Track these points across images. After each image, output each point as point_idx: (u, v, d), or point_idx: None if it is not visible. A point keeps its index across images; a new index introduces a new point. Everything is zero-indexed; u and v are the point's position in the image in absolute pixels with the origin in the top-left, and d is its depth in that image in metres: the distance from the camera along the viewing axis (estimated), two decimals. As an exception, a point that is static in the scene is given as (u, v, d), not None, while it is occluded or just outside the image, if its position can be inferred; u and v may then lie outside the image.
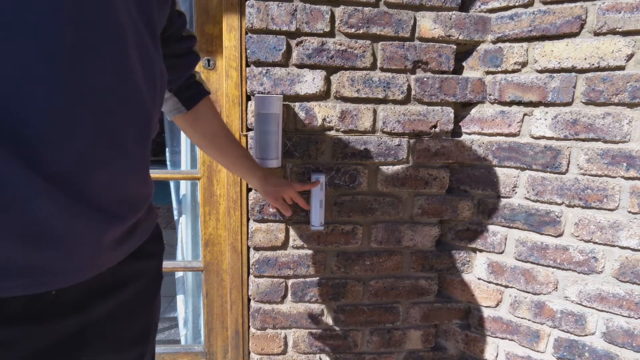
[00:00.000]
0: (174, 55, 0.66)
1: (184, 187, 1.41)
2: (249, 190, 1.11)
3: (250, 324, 1.18)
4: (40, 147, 0.37)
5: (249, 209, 1.10)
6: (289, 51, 1.02)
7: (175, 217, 1.45)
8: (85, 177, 0.41)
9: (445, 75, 1.08)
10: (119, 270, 0.52)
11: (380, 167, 1.10)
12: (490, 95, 1.09)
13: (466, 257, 1.18)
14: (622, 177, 0.94)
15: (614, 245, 0.97)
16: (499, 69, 1.06)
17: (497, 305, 1.15)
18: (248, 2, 0.99)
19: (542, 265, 1.06)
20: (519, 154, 1.06)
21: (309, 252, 1.13)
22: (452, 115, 1.10)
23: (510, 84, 1.05)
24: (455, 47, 1.07)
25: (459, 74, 1.11)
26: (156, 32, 0.51)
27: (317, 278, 1.15)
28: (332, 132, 1.07)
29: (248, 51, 1.02)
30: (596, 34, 0.94)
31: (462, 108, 1.14)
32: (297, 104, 1.05)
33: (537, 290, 1.07)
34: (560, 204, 1.02)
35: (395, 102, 1.08)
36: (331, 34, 1.03)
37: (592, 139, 0.97)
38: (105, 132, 0.43)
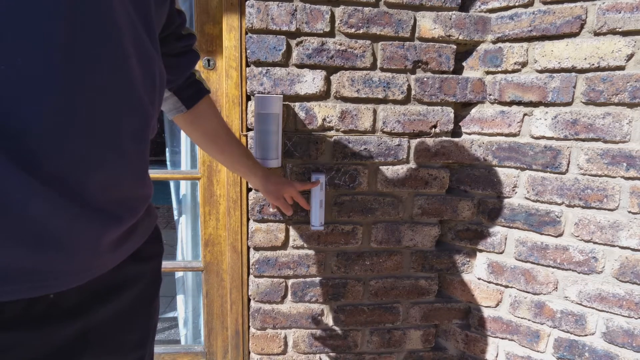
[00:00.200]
0: (173, 54, 0.66)
1: (184, 187, 1.41)
2: (249, 190, 1.11)
3: (250, 324, 1.18)
4: (36, 148, 0.36)
5: (249, 209, 1.10)
6: (289, 51, 1.02)
7: (175, 217, 1.45)
8: (82, 177, 0.41)
9: (445, 75, 1.08)
10: (118, 273, 0.51)
11: (380, 167, 1.10)
12: (490, 95, 1.09)
13: (466, 257, 1.18)
14: (622, 177, 0.94)
15: (614, 245, 0.97)
16: (499, 69, 1.06)
17: (497, 305, 1.15)
18: (248, 2, 0.99)
19: (542, 265, 1.06)
20: (519, 154, 1.06)
21: (309, 252, 1.13)
22: (452, 115, 1.10)
23: (510, 84, 1.05)
24: (455, 47, 1.07)
25: (459, 74, 1.11)
26: (154, 31, 0.50)
27: (317, 278, 1.15)
28: (332, 132, 1.07)
29: (248, 51, 1.02)
30: (596, 34, 0.94)
31: (462, 108, 1.14)
32: (297, 104, 1.05)
33: (537, 290, 1.07)
34: (560, 204, 1.02)
35: (395, 102, 1.08)
36: (331, 34, 1.03)
37: (592, 139, 0.97)
38: (102, 132, 0.42)
